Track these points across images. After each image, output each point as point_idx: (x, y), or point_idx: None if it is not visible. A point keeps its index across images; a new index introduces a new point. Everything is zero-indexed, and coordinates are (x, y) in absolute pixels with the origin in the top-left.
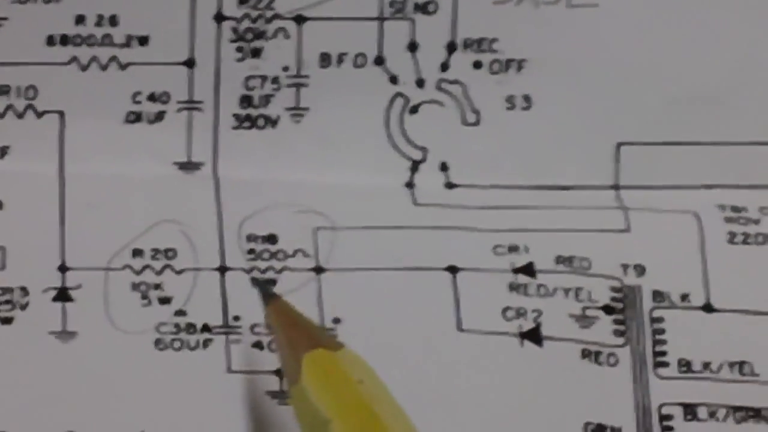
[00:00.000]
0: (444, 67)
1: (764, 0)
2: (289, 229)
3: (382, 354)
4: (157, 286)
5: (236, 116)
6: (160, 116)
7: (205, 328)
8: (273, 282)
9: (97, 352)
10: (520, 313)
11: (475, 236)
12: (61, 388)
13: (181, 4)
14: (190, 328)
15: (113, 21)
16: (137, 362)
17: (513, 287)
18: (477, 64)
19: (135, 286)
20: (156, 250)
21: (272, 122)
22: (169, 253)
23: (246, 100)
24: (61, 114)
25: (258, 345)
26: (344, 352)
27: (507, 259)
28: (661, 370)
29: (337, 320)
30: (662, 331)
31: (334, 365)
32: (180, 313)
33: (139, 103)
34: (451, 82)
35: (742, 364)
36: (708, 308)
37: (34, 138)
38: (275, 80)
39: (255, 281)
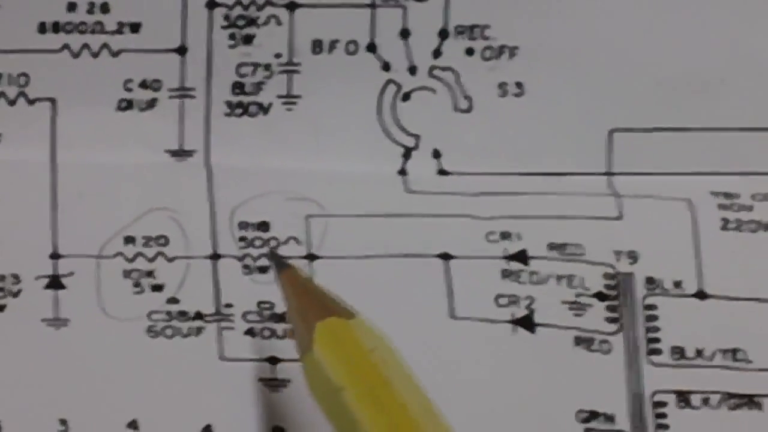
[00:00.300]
0: (436, 53)
1: None
2: (282, 216)
3: None
4: (149, 274)
5: (228, 103)
6: (151, 103)
7: (198, 315)
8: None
9: (90, 339)
10: (513, 301)
11: (467, 223)
12: (53, 376)
13: None
14: (183, 315)
15: (105, 8)
16: (129, 350)
17: (506, 274)
18: (469, 51)
19: (127, 274)
20: (148, 238)
21: (264, 109)
22: (161, 240)
23: (238, 87)
24: (53, 101)
25: (250, 332)
26: (357, 321)
27: (500, 246)
28: (655, 358)
29: None
30: (655, 318)
31: (347, 333)
32: (172, 300)
33: (130, 90)
34: (444, 69)
35: (735, 351)
36: (701, 295)
37: (25, 125)
38: (267, 67)
39: (269, 252)
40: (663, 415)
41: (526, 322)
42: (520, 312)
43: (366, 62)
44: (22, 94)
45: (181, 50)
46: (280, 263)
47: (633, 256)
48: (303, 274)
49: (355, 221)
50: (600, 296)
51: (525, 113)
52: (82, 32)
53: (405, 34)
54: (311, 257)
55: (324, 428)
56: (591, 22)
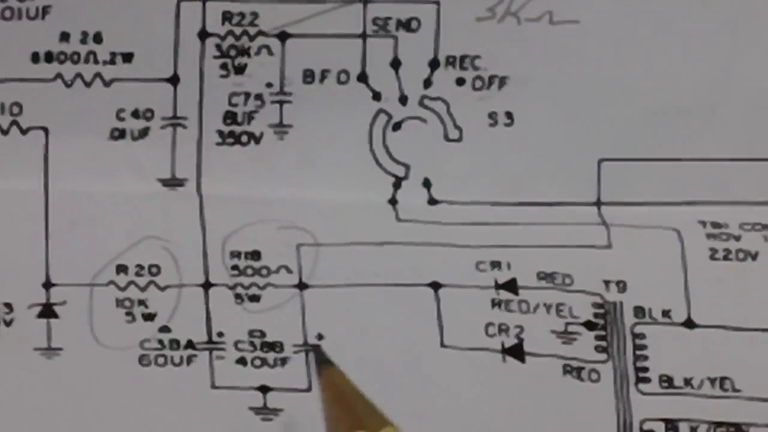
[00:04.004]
0: (427, 83)
1: (744, 22)
2: (273, 245)
3: (365, 370)
4: (141, 303)
5: (220, 133)
6: (144, 132)
7: (189, 344)
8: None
9: (82, 368)
10: (503, 329)
11: (457, 252)
12: (45, 405)
13: (165, 20)
14: (174, 344)
15: (98, 38)
16: (121, 378)
17: (495, 303)
18: (459, 81)
19: (119, 302)
20: (140, 267)
21: (256, 139)
22: (153, 269)
23: (230, 117)
24: (46, 130)
25: (241, 361)
26: None
27: (489, 275)
28: (643, 386)
29: (320, 336)
30: (644, 347)
31: None
32: (164, 329)
33: (123, 119)
34: (434, 99)
35: (723, 379)
36: (689, 324)
37: (18, 154)
38: (259, 97)
39: (313, 348)
40: None
41: (516, 351)
42: (510, 341)
43: (357, 92)
44: (15, 123)
45: (174, 80)
46: (321, 361)
47: (622, 285)
48: (342, 377)
49: (346, 250)
50: (589, 325)
51: (515, 143)
52: (75, 62)
53: (396, 64)
54: (302, 286)
55: None
56: (580, 52)
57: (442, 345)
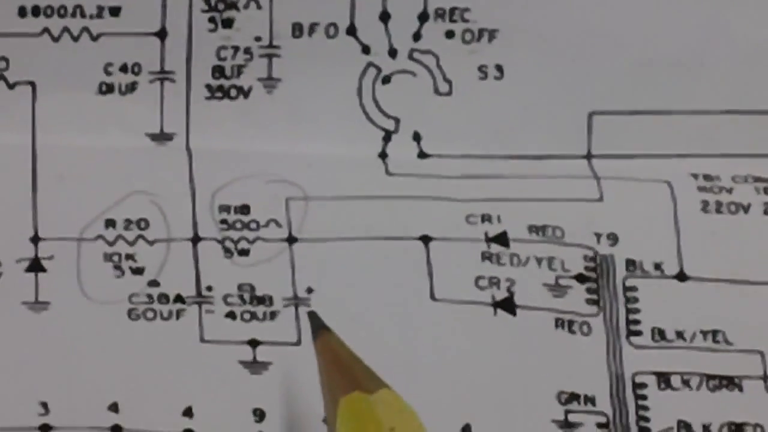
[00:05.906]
0: (416, 36)
1: None
2: (262, 199)
3: (355, 323)
4: (130, 257)
5: (208, 87)
6: (132, 87)
7: (178, 298)
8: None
9: (70, 322)
10: (494, 283)
11: (448, 206)
12: (33, 359)
13: None
14: (163, 298)
15: None
16: (110, 333)
17: (486, 256)
18: (449, 34)
19: (108, 257)
20: (128, 221)
21: (244, 93)
22: (142, 223)
23: (218, 71)
24: (33, 85)
25: (230, 315)
26: (381, 395)
27: (480, 229)
28: (635, 339)
29: (310, 290)
30: (635, 300)
31: (369, 410)
32: (153, 283)
33: (110, 74)
34: (424, 52)
35: (715, 332)
36: (681, 277)
37: (5, 109)
38: (247, 51)
39: (309, 313)
40: (643, 397)
41: (507, 305)
42: (501, 294)
43: (346, 45)
44: (1, 77)
45: (161, 34)
46: (316, 326)
47: (613, 238)
48: (337, 340)
49: (336, 204)
50: (580, 278)
51: (505, 96)
52: (62, 16)
53: (385, 17)
54: (291, 240)
55: (303, 410)
56: (570, 4)
57: (433, 298)
